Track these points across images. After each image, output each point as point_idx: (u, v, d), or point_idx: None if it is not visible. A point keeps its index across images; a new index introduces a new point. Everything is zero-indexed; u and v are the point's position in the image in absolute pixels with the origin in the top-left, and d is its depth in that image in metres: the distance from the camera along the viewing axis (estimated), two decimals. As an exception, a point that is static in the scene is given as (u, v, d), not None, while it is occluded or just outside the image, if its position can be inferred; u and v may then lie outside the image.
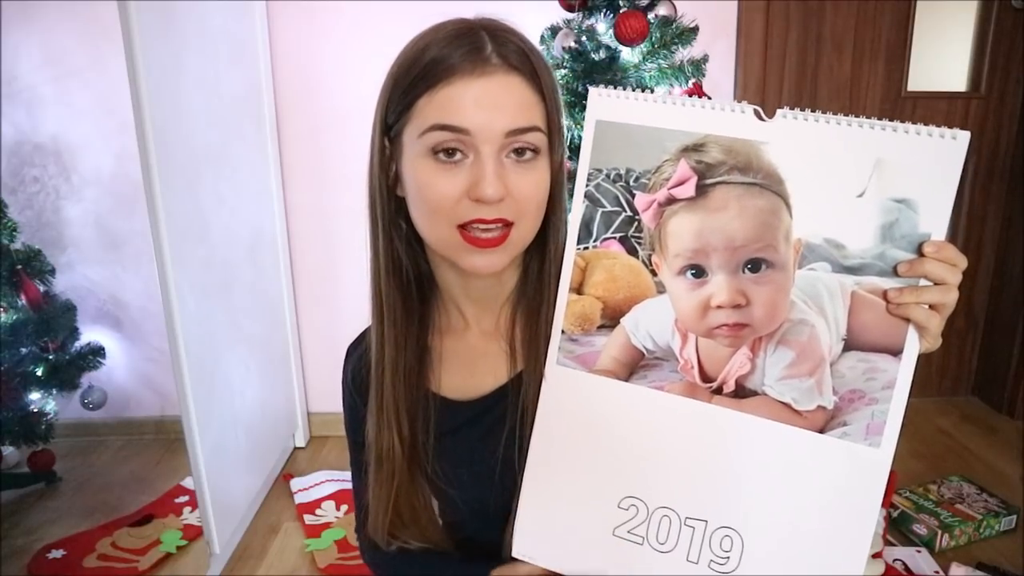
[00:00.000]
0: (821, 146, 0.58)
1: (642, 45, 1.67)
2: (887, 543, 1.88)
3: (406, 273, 0.76)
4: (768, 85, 2.38)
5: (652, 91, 1.71)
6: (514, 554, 0.72)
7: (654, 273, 0.65)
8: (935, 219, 0.57)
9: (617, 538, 0.67)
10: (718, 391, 0.64)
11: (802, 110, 0.59)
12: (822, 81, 2.40)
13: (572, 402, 0.69)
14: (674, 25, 1.71)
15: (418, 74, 0.65)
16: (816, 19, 2.35)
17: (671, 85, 1.71)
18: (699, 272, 0.63)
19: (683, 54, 1.73)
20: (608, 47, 1.73)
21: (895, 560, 1.82)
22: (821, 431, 0.61)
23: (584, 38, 1.74)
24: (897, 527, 1.96)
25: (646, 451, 0.66)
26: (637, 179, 0.64)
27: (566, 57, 1.74)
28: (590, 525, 0.68)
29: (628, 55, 1.71)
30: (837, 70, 2.39)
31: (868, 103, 2.41)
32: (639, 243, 0.66)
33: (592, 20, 1.73)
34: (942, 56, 2.46)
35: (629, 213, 0.66)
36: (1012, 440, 2.40)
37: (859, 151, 0.57)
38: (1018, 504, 2.01)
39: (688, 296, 0.63)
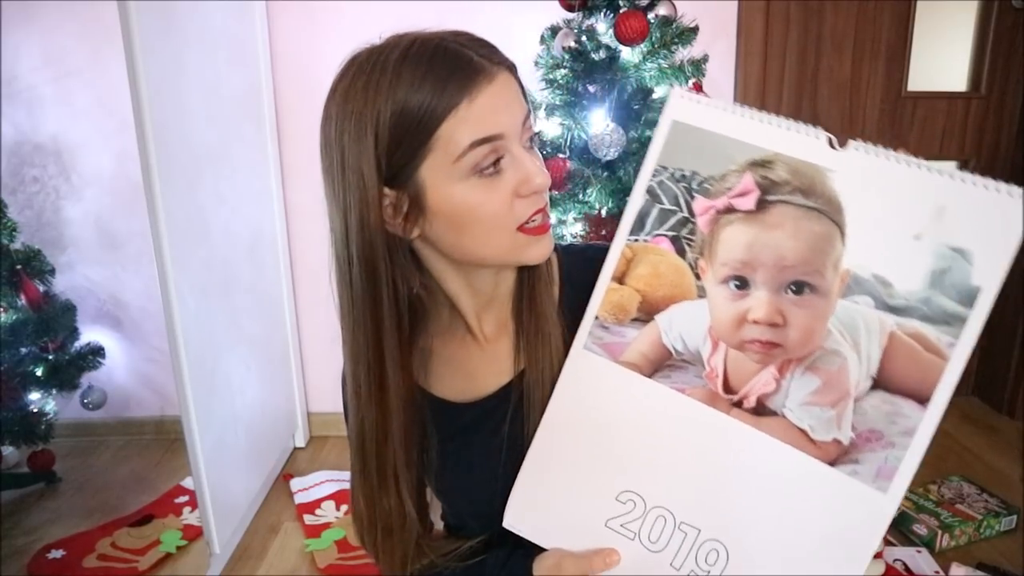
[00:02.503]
0: (886, 183, 0.58)
1: (642, 45, 1.67)
2: (887, 543, 1.88)
3: (405, 318, 0.72)
4: (768, 85, 2.38)
5: (651, 91, 1.71)
6: (504, 523, 0.72)
7: (698, 277, 0.65)
8: (989, 274, 0.56)
9: (609, 530, 0.67)
10: (738, 404, 0.63)
11: (875, 145, 0.59)
12: (822, 81, 2.40)
13: (592, 388, 0.69)
14: (674, 25, 1.71)
15: (427, 108, 0.62)
16: (816, 19, 2.35)
17: (671, 85, 1.71)
18: (742, 284, 0.63)
19: (683, 54, 1.73)
20: (608, 47, 1.73)
21: (895, 560, 1.82)
22: (832, 464, 0.60)
23: (584, 38, 1.74)
24: (897, 527, 1.96)
25: (655, 449, 0.66)
26: (700, 183, 0.65)
27: (566, 57, 1.74)
28: (585, 512, 0.68)
29: (628, 55, 1.71)
30: (837, 70, 2.39)
31: (868, 103, 2.41)
32: (689, 245, 0.66)
33: (592, 20, 1.73)
34: (942, 56, 2.46)
35: (685, 214, 0.66)
36: (1012, 440, 2.40)
37: (924, 194, 0.57)
38: (1018, 504, 2.00)
39: (727, 306, 0.63)
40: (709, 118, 0.64)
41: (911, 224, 0.57)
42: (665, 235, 0.67)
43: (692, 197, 0.65)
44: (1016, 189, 0.55)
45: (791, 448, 0.61)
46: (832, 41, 2.37)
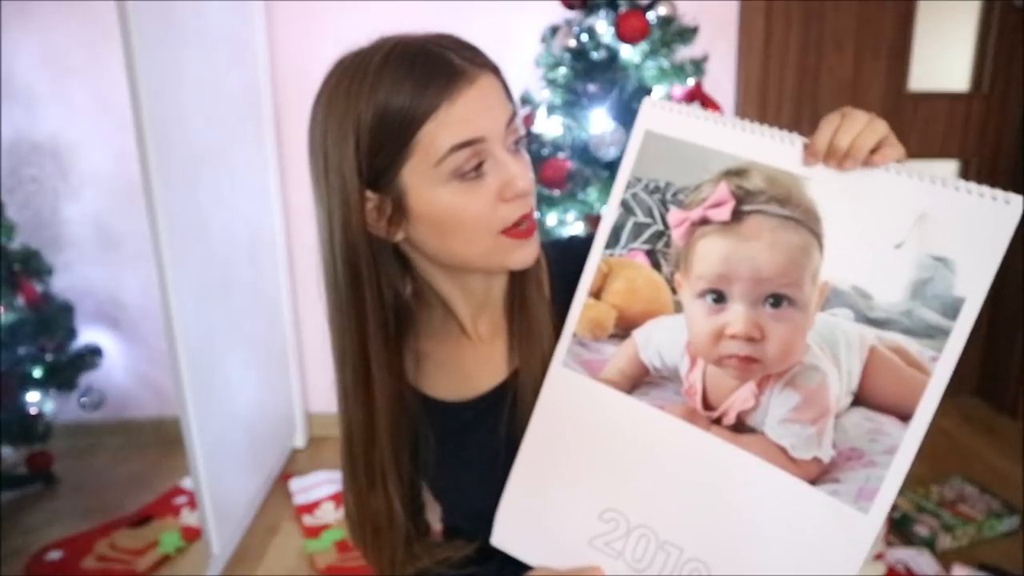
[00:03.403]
0: (865, 190, 0.56)
1: (642, 44, 1.67)
2: (889, 544, 1.87)
3: (390, 322, 0.72)
4: (769, 85, 2.37)
5: (650, 91, 1.71)
6: (492, 542, 0.72)
7: (674, 291, 0.64)
8: (973, 284, 0.53)
9: (593, 548, 0.67)
10: (717, 421, 0.62)
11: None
12: (823, 81, 2.39)
13: (571, 406, 0.68)
14: (674, 24, 1.70)
15: (407, 111, 0.61)
16: (817, 18, 2.34)
17: (671, 84, 1.70)
18: (719, 298, 0.61)
19: (683, 53, 1.73)
20: (608, 46, 1.72)
21: (897, 561, 1.81)
22: (812, 483, 0.58)
23: (584, 37, 1.73)
24: (899, 528, 1.95)
25: (636, 467, 0.65)
26: (675, 194, 0.63)
27: (566, 56, 1.73)
28: (569, 530, 0.68)
29: (628, 54, 1.70)
30: (838, 70, 2.39)
31: (869, 103, 2.40)
32: (665, 258, 0.64)
33: (592, 19, 1.72)
34: (944, 56, 2.46)
35: (660, 227, 0.64)
36: (1014, 441, 2.39)
37: (904, 201, 0.55)
38: (1020, 505, 2.00)
39: (704, 320, 0.62)
40: (682, 127, 0.63)
41: (891, 233, 0.56)
42: (640, 249, 0.66)
43: (667, 209, 0.64)
44: (1014, 197, 0.53)
45: (771, 466, 0.60)
46: (833, 40, 2.36)
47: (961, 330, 0.54)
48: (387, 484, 0.75)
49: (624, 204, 0.66)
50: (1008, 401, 2.53)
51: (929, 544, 1.88)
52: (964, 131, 2.45)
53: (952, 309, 0.54)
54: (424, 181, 0.64)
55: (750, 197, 0.59)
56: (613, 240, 0.67)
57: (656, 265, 0.65)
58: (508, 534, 0.71)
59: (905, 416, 0.56)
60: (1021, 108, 2.44)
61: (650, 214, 0.65)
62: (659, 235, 0.65)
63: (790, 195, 0.58)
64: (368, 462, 0.75)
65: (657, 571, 0.64)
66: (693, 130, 0.62)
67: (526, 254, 0.68)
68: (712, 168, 0.61)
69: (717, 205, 0.60)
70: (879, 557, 1.73)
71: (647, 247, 0.65)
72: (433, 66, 0.62)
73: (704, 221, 0.61)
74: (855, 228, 0.57)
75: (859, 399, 0.58)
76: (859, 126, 0.56)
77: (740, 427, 0.62)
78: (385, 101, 0.61)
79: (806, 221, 0.58)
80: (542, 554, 0.70)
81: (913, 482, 2.10)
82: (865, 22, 2.34)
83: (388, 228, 0.67)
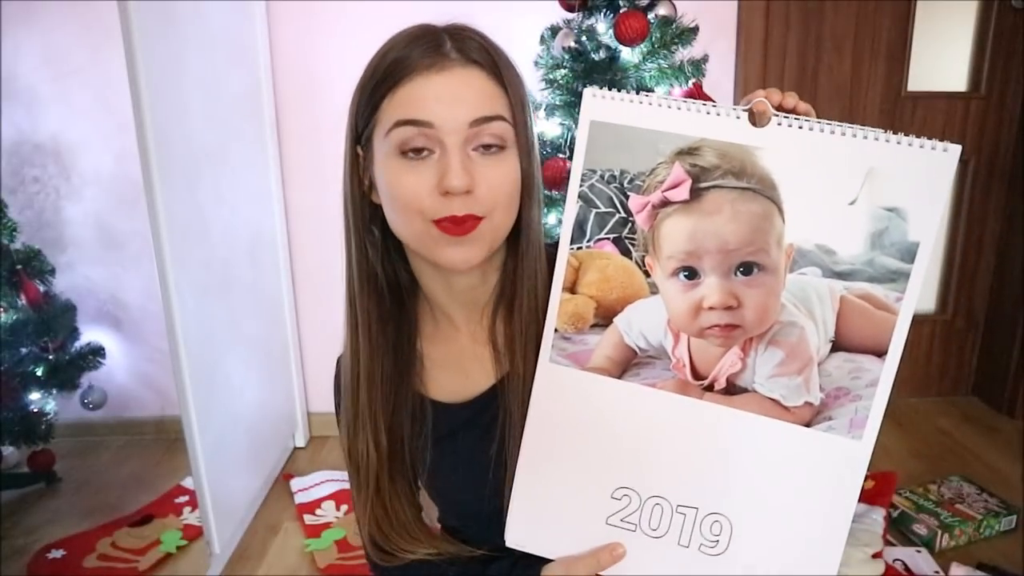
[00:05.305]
0: (814, 153, 0.60)
1: (642, 45, 1.67)
2: (887, 543, 1.87)
3: (380, 280, 0.76)
4: (768, 85, 2.36)
5: (651, 91, 1.71)
6: (507, 543, 0.73)
7: (647, 274, 0.66)
8: (924, 228, 0.59)
9: (610, 526, 0.69)
10: (709, 388, 0.66)
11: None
12: (822, 81, 2.40)
13: (565, 399, 0.70)
14: (674, 25, 1.71)
15: (381, 77, 0.66)
16: (816, 19, 2.35)
17: (671, 85, 1.71)
18: (692, 274, 0.64)
19: (683, 54, 1.73)
20: (608, 47, 1.73)
21: (895, 560, 1.82)
22: (807, 425, 0.64)
23: (584, 38, 1.74)
24: (897, 527, 1.96)
25: (639, 445, 0.68)
26: (631, 181, 0.65)
27: (566, 57, 1.74)
28: (583, 515, 0.70)
29: (628, 55, 1.71)
30: (837, 70, 2.39)
31: (868, 103, 2.41)
32: (633, 244, 0.67)
33: (592, 20, 1.73)
34: (942, 56, 2.46)
35: (623, 214, 0.67)
36: (1012, 440, 2.39)
37: (852, 160, 0.59)
38: (1018, 504, 2.00)
39: (681, 297, 0.65)
40: (627, 113, 0.64)
41: (844, 190, 0.60)
42: (607, 238, 0.68)
43: (626, 196, 0.66)
44: (951, 145, 0.57)
45: (768, 419, 0.64)
46: (832, 41, 2.37)
47: (919, 270, 0.60)
48: (364, 423, 0.77)
49: (583, 197, 0.67)
50: (1007, 401, 2.54)
51: (927, 543, 1.89)
52: (962, 131, 2.46)
53: (909, 253, 0.60)
54: (381, 148, 0.68)
55: (705, 174, 0.62)
56: (578, 235, 0.68)
57: (625, 252, 0.68)
58: (523, 533, 0.73)
59: (880, 352, 0.62)
60: (1020, 108, 2.45)
61: (611, 204, 0.67)
62: (623, 223, 0.67)
63: (744, 167, 0.61)
64: (353, 401, 0.78)
65: (677, 533, 0.67)
66: (638, 115, 0.64)
67: (456, 254, 0.68)
68: (663, 150, 0.63)
69: (675, 186, 0.63)
70: (877, 555, 1.73)
71: (613, 235, 0.68)
72: (420, 48, 0.66)
73: (664, 203, 0.63)
74: (810, 190, 0.61)
75: (837, 345, 0.63)
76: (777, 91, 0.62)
77: (732, 389, 0.65)
78: (373, 66, 0.68)
79: (763, 190, 0.61)
80: (560, 545, 0.71)
81: (912, 481, 2.10)
82: (864, 22, 2.35)
83: (369, 188, 0.72)
